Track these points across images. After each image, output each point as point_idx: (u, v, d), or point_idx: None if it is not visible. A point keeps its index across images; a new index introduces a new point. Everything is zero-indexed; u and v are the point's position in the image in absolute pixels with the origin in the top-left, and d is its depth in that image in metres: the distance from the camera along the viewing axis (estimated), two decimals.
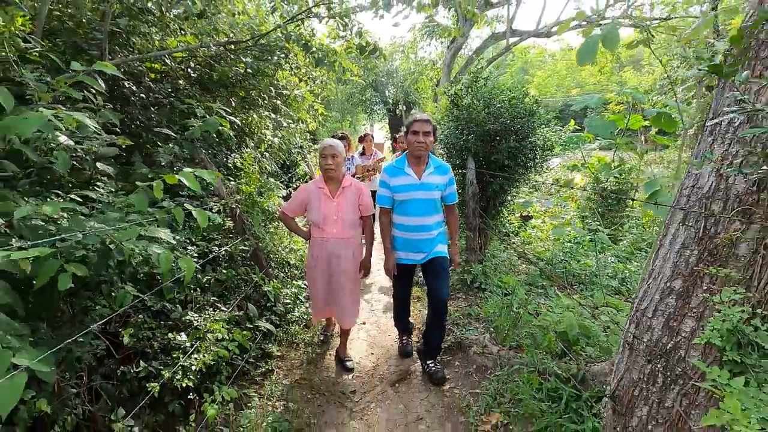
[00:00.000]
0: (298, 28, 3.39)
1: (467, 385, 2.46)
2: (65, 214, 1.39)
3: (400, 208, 2.55)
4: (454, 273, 3.79)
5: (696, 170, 1.34)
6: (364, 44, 3.36)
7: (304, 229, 2.74)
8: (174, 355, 1.93)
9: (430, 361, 2.62)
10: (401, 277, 2.69)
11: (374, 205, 2.68)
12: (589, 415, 1.73)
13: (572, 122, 7.15)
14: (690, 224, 1.35)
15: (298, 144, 5.07)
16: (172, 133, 2.54)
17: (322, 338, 3.07)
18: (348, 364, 2.73)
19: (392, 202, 2.57)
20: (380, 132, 20.52)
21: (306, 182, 3.07)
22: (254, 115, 3.66)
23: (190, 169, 1.62)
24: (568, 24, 2.07)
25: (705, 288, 1.29)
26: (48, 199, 1.48)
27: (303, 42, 3.21)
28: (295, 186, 5.44)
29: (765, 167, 0.99)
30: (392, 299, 2.87)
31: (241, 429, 1.99)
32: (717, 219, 1.26)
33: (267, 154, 4.06)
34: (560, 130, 8.77)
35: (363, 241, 2.70)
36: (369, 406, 2.37)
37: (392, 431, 2.16)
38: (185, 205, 1.79)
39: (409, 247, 2.57)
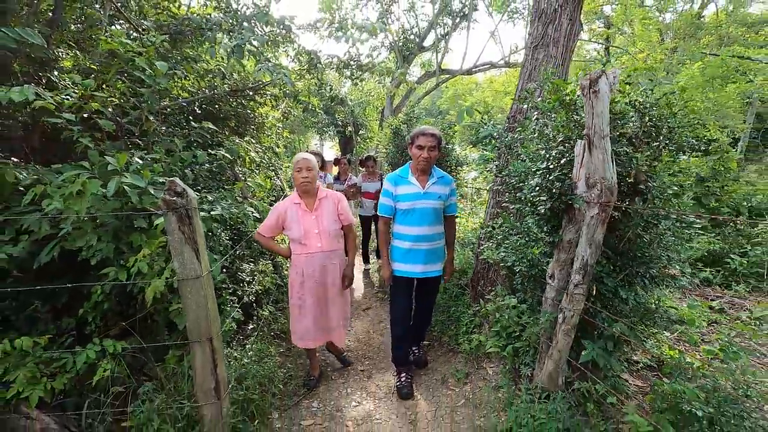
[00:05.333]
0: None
1: None
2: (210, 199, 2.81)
3: (403, 217, 2.51)
4: None
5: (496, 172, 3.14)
6: (334, 96, 4.99)
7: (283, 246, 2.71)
8: (241, 285, 3.34)
9: (414, 348, 2.96)
10: (399, 292, 2.60)
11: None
12: (470, 301, 3.44)
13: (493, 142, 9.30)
14: (493, 196, 3.13)
15: (276, 163, 6.46)
16: (207, 157, 3.95)
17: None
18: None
19: (393, 211, 2.54)
20: (331, 151, 22.27)
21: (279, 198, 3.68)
22: (238, 140, 5.01)
23: (254, 179, 3.14)
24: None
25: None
26: None
27: (294, 95, 4.76)
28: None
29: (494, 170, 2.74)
30: (390, 326, 2.74)
31: (280, 325, 3.46)
32: (501, 192, 3.04)
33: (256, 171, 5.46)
34: (486, 149, 11.00)
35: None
36: (350, 321, 3.91)
37: (367, 330, 3.73)
38: (248, 199, 3.30)
39: (409, 258, 2.51)
